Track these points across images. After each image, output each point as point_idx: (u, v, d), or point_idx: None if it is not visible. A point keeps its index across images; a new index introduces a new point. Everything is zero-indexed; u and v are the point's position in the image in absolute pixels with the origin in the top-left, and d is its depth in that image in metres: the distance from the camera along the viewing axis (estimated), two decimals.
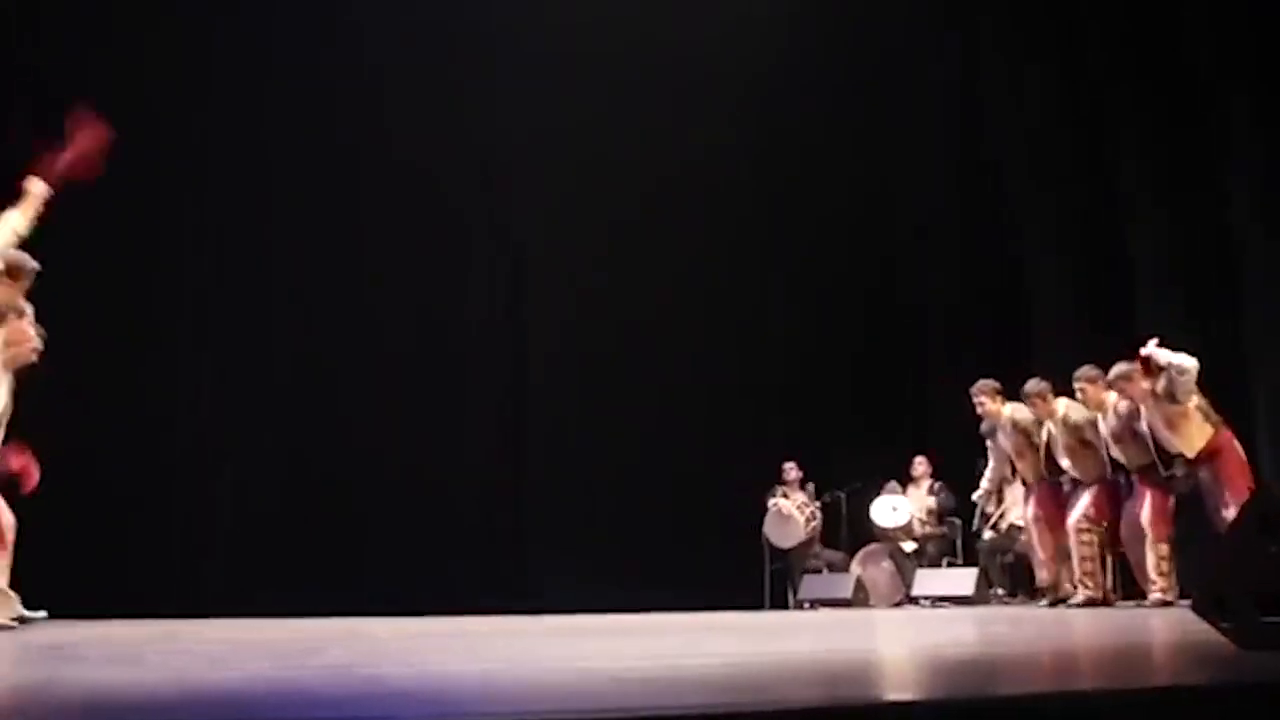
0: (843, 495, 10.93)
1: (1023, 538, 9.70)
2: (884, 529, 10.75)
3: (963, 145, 11.90)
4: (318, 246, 10.42)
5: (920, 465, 11.04)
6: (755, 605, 10.18)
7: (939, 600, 9.88)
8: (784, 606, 10.53)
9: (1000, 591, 10.18)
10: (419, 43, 10.71)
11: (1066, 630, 5.54)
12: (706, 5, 11.17)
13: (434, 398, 10.59)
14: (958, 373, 12.30)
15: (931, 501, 10.94)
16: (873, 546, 10.64)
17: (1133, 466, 8.16)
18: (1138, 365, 7.75)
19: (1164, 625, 5.51)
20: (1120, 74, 10.58)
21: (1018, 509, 9.39)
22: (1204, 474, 7.59)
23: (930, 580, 10.25)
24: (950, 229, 12.03)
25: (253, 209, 10.59)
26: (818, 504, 10.87)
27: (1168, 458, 7.90)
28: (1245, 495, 6.92)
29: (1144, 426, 7.94)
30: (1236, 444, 7.66)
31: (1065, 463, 8.52)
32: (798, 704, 2.42)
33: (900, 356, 12.27)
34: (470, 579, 9.95)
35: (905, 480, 11.08)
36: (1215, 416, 7.62)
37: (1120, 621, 6.35)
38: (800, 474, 10.88)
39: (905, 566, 10.44)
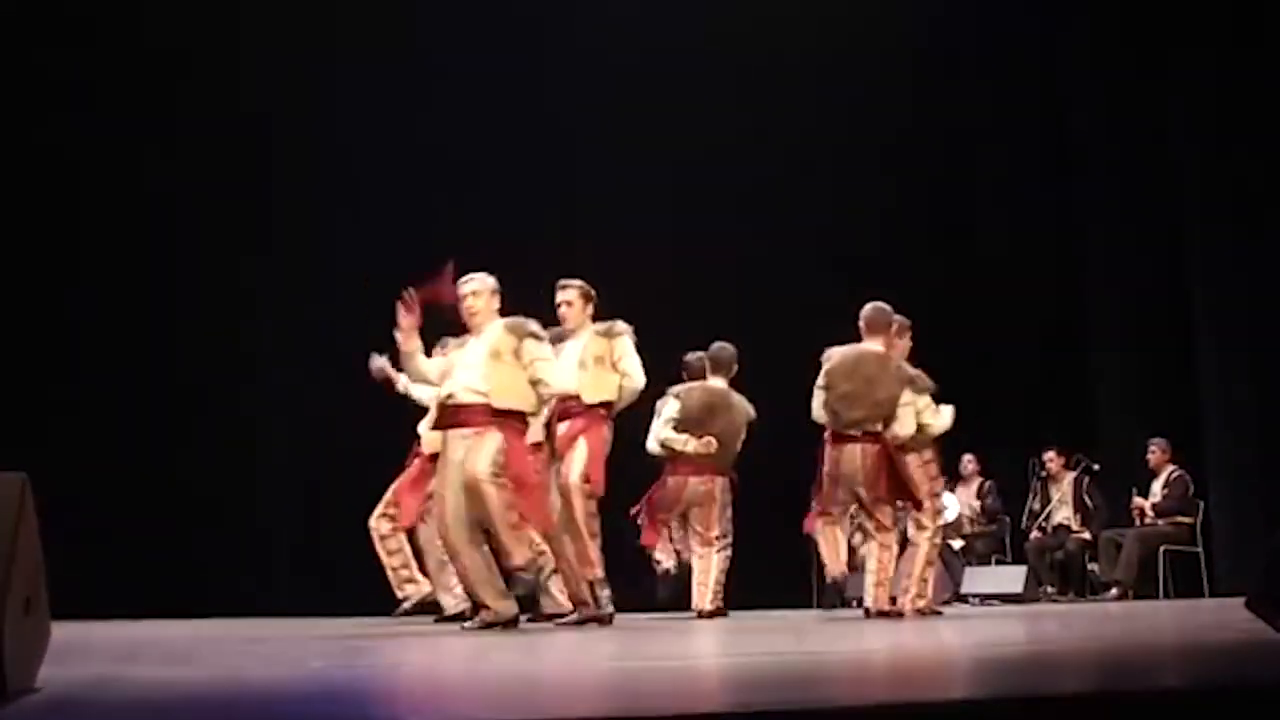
0: None
1: (1072, 536, 9.61)
2: None
3: None
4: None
5: (969, 463, 10.99)
6: (806, 605, 10.15)
7: (988, 598, 9.87)
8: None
9: (1050, 590, 10.15)
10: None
11: (1119, 628, 5.54)
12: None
13: None
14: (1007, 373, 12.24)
15: (980, 499, 10.92)
16: None
17: None
18: None
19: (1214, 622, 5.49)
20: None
21: (1065, 508, 9.29)
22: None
23: (979, 578, 10.23)
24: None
25: (341, 217, 10.88)
26: None
27: None
28: None
29: None
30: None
31: None
32: (831, 704, 2.47)
33: (957, 356, 12.33)
34: None
35: (954, 478, 11.03)
36: None
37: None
38: None
39: (953, 564, 10.40)
